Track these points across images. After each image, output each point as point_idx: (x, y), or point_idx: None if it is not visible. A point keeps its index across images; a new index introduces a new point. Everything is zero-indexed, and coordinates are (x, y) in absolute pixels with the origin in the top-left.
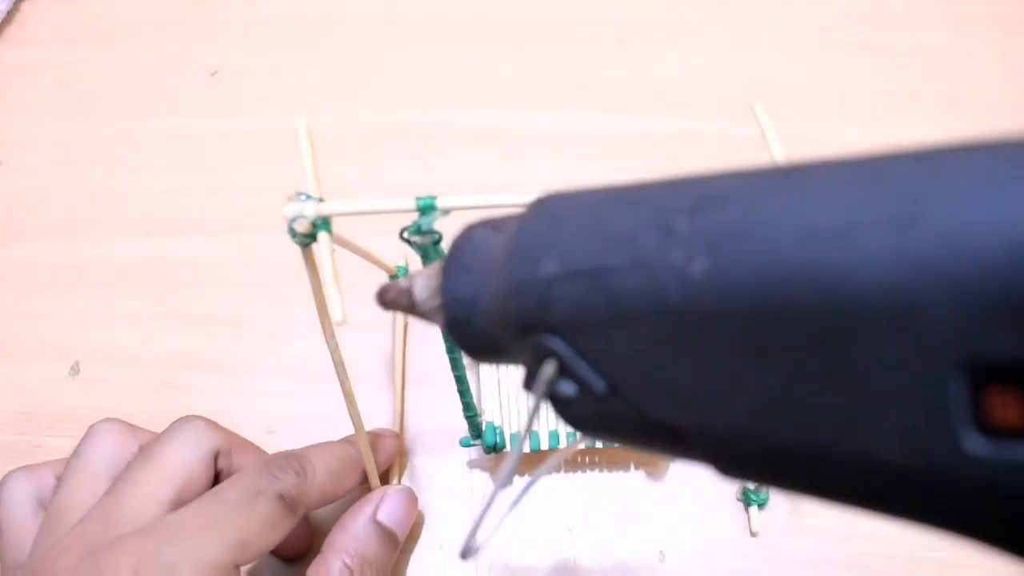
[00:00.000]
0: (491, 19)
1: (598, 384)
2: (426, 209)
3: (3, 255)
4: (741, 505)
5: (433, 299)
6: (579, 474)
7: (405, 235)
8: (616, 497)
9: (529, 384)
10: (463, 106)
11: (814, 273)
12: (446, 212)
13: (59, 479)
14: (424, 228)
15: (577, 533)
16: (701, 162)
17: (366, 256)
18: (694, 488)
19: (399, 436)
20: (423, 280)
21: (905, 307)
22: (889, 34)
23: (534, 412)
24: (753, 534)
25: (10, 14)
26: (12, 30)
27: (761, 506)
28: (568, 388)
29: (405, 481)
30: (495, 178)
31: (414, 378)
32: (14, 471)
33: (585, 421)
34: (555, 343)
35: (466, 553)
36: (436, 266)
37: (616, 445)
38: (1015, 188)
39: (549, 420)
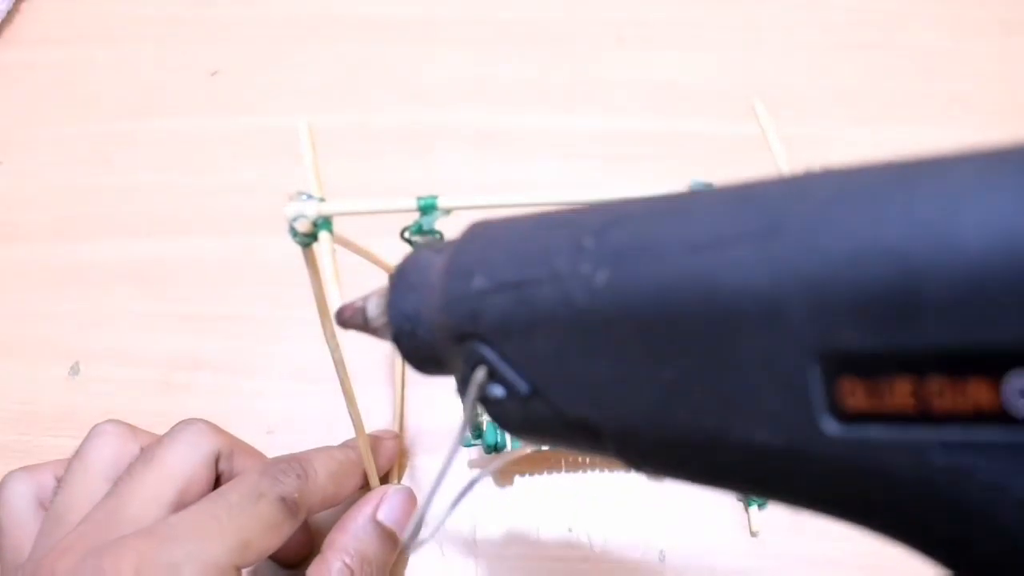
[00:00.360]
0: (491, 19)
1: (522, 386)
2: (427, 209)
3: (3, 255)
4: (741, 505)
5: (382, 316)
6: (579, 474)
7: (406, 235)
8: (616, 497)
9: (463, 389)
10: (464, 106)
11: (694, 279)
12: (447, 212)
13: (60, 480)
14: (425, 228)
15: (577, 533)
16: (701, 162)
17: (367, 256)
18: (694, 488)
19: (399, 437)
20: (376, 300)
21: (769, 306)
22: (889, 34)
23: (468, 415)
24: (753, 534)
25: (10, 14)
26: (12, 30)
27: (761, 506)
28: (497, 391)
29: (405, 481)
30: (496, 178)
31: (414, 378)
32: (14, 471)
33: (513, 422)
34: (484, 350)
35: (411, 546)
36: (386, 287)
37: (544, 448)
38: (858, 207)
39: None
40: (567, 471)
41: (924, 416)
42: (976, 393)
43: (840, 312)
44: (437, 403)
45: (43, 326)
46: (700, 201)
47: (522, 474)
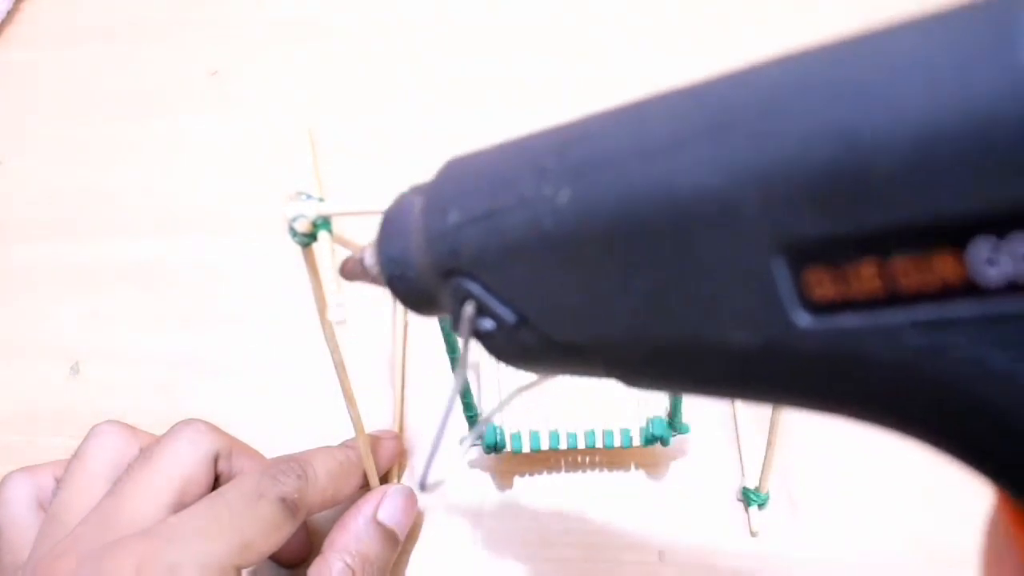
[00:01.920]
0: (494, 20)
1: (508, 316)
2: None
3: (3, 255)
4: (741, 505)
5: (377, 263)
6: (579, 474)
7: None
8: (616, 497)
9: (456, 326)
10: (464, 106)
11: (650, 186)
12: None
13: (59, 480)
14: None
15: (576, 533)
16: None
17: None
18: (694, 488)
19: (399, 437)
20: (371, 249)
21: (725, 204)
22: None
23: (465, 350)
24: (753, 534)
25: (10, 14)
26: (12, 30)
27: (761, 506)
28: (487, 323)
29: (405, 481)
30: None
31: (414, 378)
32: (14, 472)
33: (507, 353)
34: (469, 284)
35: (424, 486)
36: None
37: (543, 376)
38: (801, 89)
39: (549, 420)
40: (567, 471)
41: (893, 298)
42: (941, 267)
43: (794, 200)
44: (437, 403)
45: (43, 326)
46: (653, 107)
47: (522, 474)
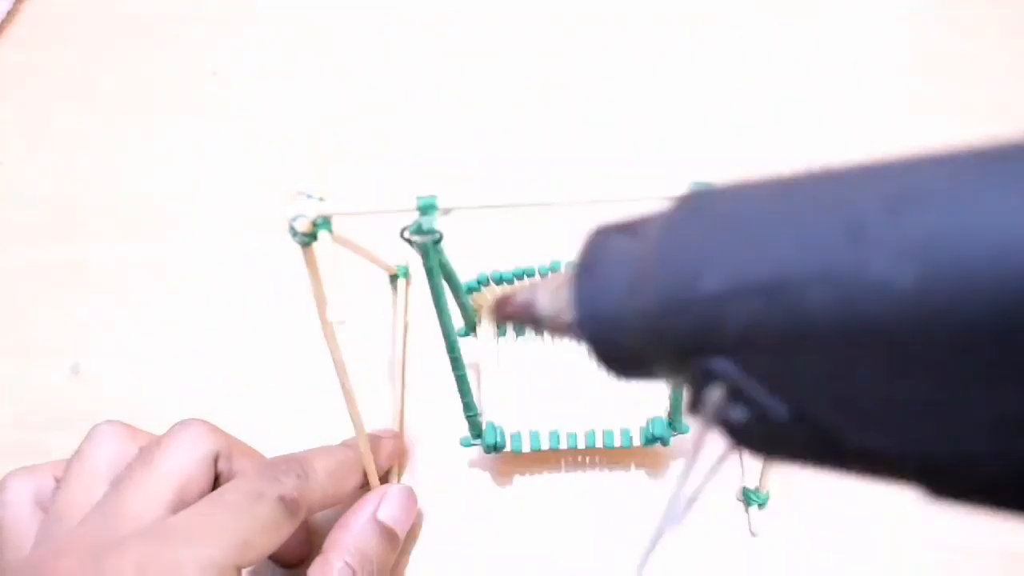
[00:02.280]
0: (494, 20)
1: (779, 410)
2: (427, 208)
3: (3, 255)
4: (741, 505)
5: (563, 315)
6: (579, 474)
7: (405, 234)
8: (616, 496)
9: (694, 408)
10: (464, 106)
11: None
12: (447, 212)
13: (59, 480)
14: (424, 227)
15: (577, 533)
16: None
17: (367, 256)
18: (694, 488)
19: (399, 436)
20: (547, 294)
21: None
22: (891, 36)
23: (701, 441)
24: (753, 534)
25: (10, 14)
26: (13, 30)
27: (761, 506)
28: (740, 414)
29: (405, 480)
30: (497, 179)
31: (414, 378)
32: (14, 472)
33: (763, 447)
34: (724, 366)
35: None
36: (559, 278)
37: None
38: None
39: (549, 420)
40: (567, 471)
41: None
42: None
43: None
44: (437, 403)
45: (43, 326)
46: None
47: (522, 474)
